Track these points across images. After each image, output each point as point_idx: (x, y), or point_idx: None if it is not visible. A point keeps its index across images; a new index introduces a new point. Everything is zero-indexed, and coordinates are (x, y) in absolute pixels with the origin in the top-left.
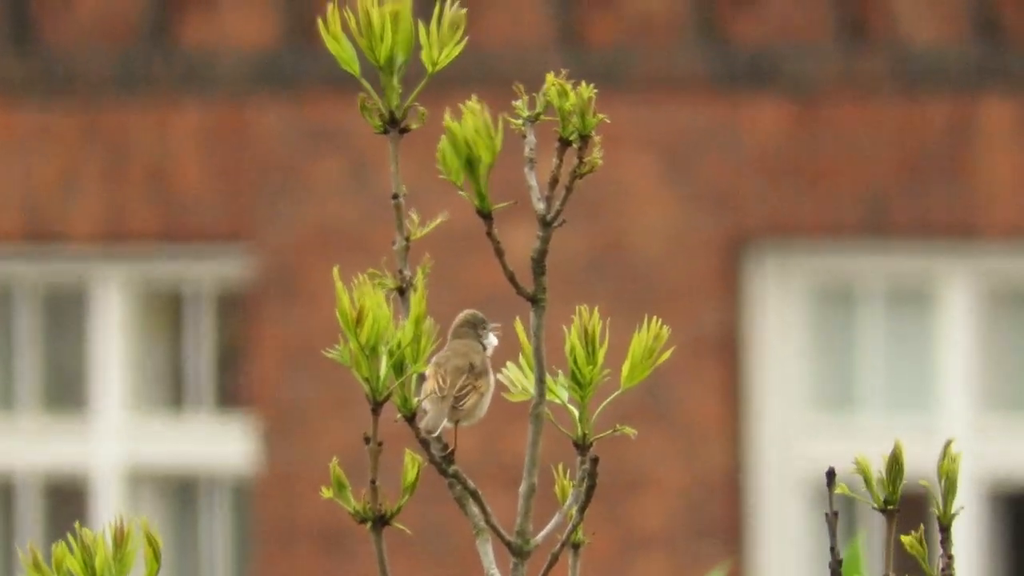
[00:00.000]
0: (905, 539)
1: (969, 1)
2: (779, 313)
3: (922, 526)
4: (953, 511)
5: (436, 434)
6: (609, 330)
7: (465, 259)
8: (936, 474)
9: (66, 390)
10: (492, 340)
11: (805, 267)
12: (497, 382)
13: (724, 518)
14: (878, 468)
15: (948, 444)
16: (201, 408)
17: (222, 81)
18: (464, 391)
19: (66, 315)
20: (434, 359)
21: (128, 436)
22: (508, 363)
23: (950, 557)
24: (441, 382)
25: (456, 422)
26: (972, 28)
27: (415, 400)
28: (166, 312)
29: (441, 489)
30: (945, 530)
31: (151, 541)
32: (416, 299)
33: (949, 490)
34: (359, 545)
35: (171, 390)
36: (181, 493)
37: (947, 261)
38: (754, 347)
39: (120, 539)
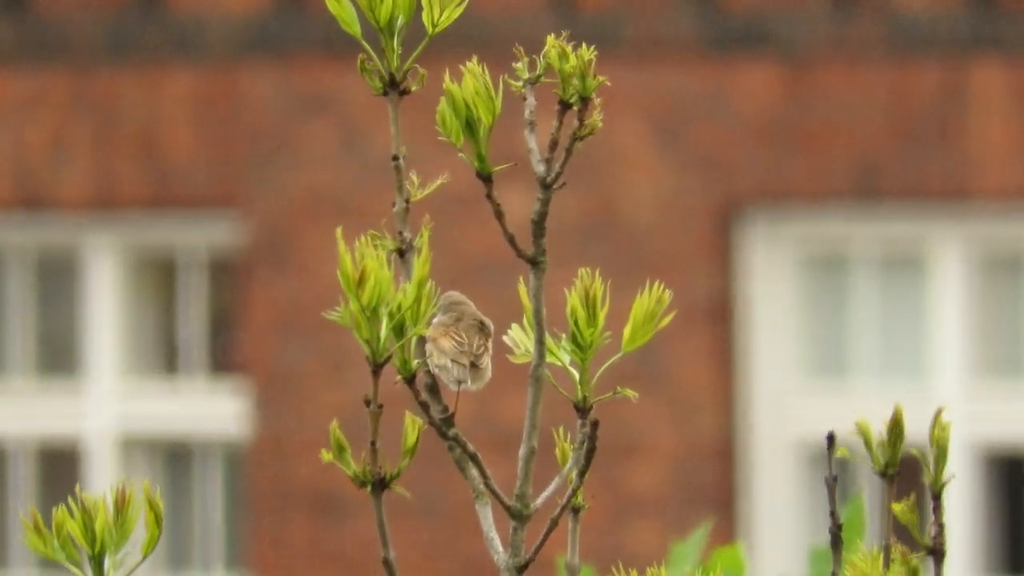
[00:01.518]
0: (896, 507)
1: None
2: (771, 278)
3: (913, 494)
4: (944, 479)
5: (464, 384)
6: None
7: (462, 223)
8: (927, 442)
9: (58, 356)
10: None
11: (797, 232)
12: (498, 344)
13: (717, 483)
14: (878, 431)
15: (939, 412)
16: (194, 373)
17: (213, 47)
18: (480, 350)
19: (58, 281)
20: (437, 320)
21: (121, 401)
22: (513, 325)
23: (941, 525)
24: (459, 338)
25: (460, 383)
26: None
27: (417, 362)
28: (158, 278)
29: (439, 453)
30: (937, 498)
31: (153, 505)
32: (420, 261)
33: (940, 458)
34: (353, 509)
35: (164, 355)
36: (174, 458)
37: (939, 226)
38: (746, 313)
39: (121, 503)
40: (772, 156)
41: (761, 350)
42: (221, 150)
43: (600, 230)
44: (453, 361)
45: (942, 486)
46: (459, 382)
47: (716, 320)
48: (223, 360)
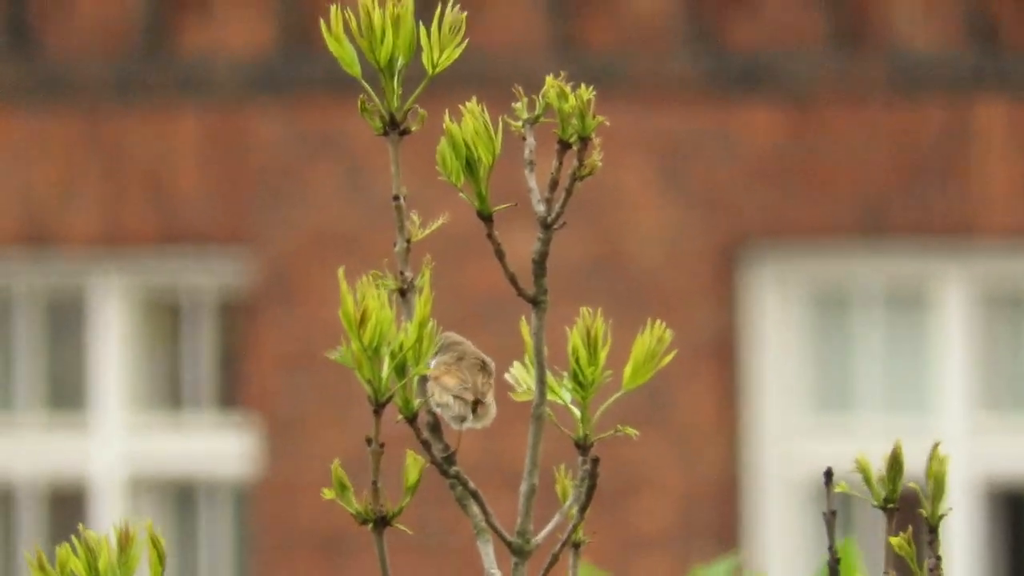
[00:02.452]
0: (894, 540)
1: (965, 5)
2: (776, 316)
3: (911, 527)
4: (941, 512)
5: (467, 423)
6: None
7: (464, 262)
8: (924, 476)
9: (66, 395)
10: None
11: (802, 270)
12: (500, 382)
13: (722, 520)
14: (878, 467)
15: (936, 446)
16: (200, 412)
17: (219, 87)
18: (484, 387)
19: (66, 320)
20: (438, 360)
21: (128, 440)
22: (515, 363)
23: (938, 558)
24: (462, 375)
25: (462, 421)
26: (968, 32)
27: (418, 401)
28: (165, 317)
29: (442, 490)
30: (933, 531)
31: (155, 544)
32: (421, 301)
33: (937, 492)
34: (359, 549)
35: (171, 394)
36: (181, 497)
37: (943, 264)
38: (752, 350)
39: (124, 542)
40: (776, 195)
41: (766, 387)
42: (228, 190)
43: (604, 269)
44: (456, 398)
45: (939, 519)
46: (461, 419)
47: (721, 358)
48: (230, 398)
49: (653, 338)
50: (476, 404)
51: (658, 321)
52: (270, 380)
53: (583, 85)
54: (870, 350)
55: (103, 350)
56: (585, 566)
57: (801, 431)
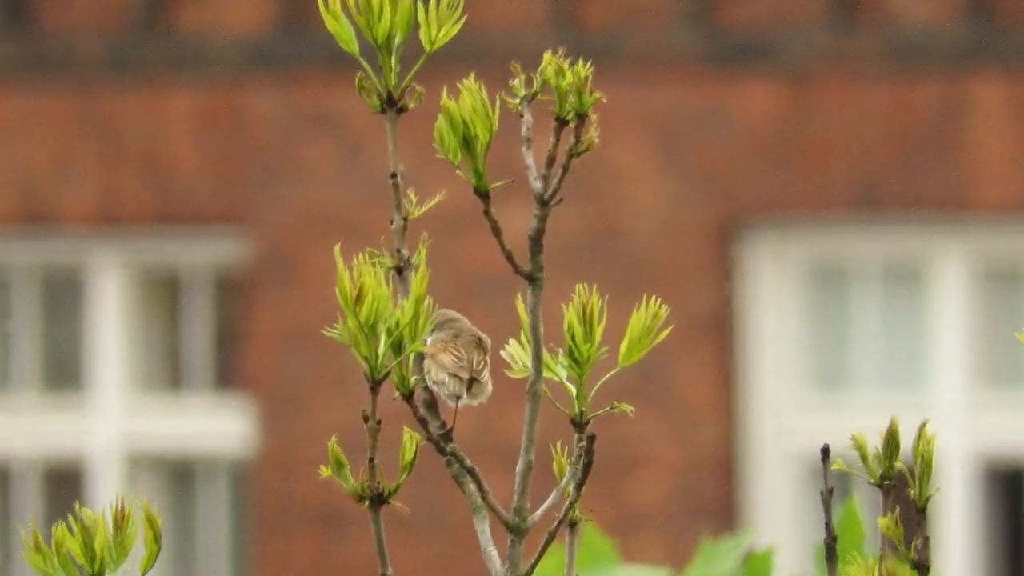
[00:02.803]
0: (881, 521)
1: None
2: (773, 292)
3: (898, 508)
4: (929, 493)
5: (463, 400)
6: (604, 310)
7: (461, 239)
8: (911, 455)
9: (64, 372)
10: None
11: (798, 246)
12: (496, 359)
13: (719, 496)
14: (874, 444)
15: (923, 426)
16: (198, 390)
17: (216, 64)
18: (480, 365)
19: (63, 298)
20: (434, 337)
21: (126, 418)
22: (511, 340)
23: (926, 538)
24: (457, 353)
25: (458, 399)
26: (963, 6)
27: (415, 378)
28: (162, 295)
29: (438, 468)
30: (921, 511)
31: (151, 522)
32: (417, 278)
33: (925, 472)
34: (356, 525)
35: (168, 372)
36: (179, 475)
37: (940, 239)
38: (748, 327)
39: (120, 520)
40: (773, 171)
41: (763, 363)
42: (225, 167)
43: (602, 245)
44: (451, 375)
45: (926, 500)
46: (456, 397)
47: (717, 334)
48: (227, 376)
49: (648, 314)
50: (471, 382)
51: (653, 297)
52: (267, 358)
53: (580, 61)
54: (867, 326)
55: (100, 328)
56: (590, 532)
57: (798, 407)
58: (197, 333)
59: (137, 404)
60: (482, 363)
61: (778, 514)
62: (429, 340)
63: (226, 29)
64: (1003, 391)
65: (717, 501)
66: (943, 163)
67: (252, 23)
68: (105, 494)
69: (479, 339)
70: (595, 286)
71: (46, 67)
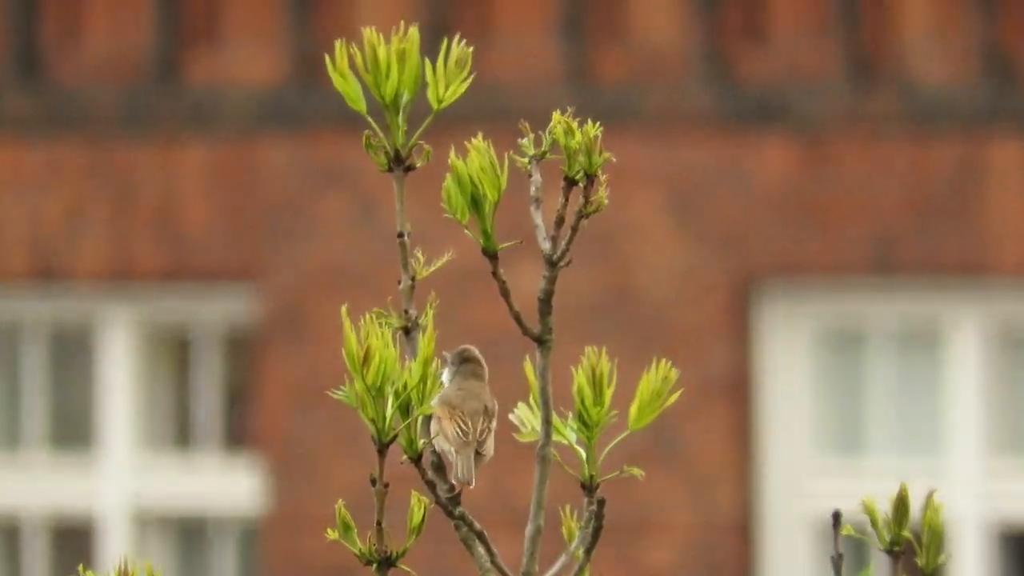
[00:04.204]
0: None
1: (978, 40)
2: (787, 354)
3: None
4: (937, 561)
5: (473, 483)
6: (617, 371)
7: (472, 299)
8: (919, 524)
9: (72, 429)
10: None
11: (813, 307)
12: (504, 421)
13: (733, 560)
14: (884, 510)
15: (930, 495)
16: (208, 448)
17: (229, 119)
18: (483, 435)
19: (73, 354)
20: (441, 398)
21: (135, 476)
22: (520, 404)
23: None
24: (463, 425)
25: (467, 484)
26: (982, 67)
27: (423, 441)
28: (173, 351)
29: (450, 529)
30: None
31: None
32: (425, 340)
33: (932, 540)
34: None
35: (178, 429)
36: (188, 533)
37: (956, 302)
38: (763, 388)
39: None
40: (789, 231)
41: (777, 426)
42: (237, 223)
43: (616, 305)
44: (457, 453)
45: (934, 568)
46: (465, 483)
47: (732, 396)
48: (238, 434)
49: (659, 377)
50: (476, 455)
51: (663, 360)
52: (278, 415)
53: (590, 121)
54: (882, 389)
55: (110, 383)
56: None
57: (812, 471)
58: (207, 391)
59: (146, 462)
60: (486, 431)
61: None
62: (439, 395)
63: (239, 84)
64: (1019, 457)
65: (731, 564)
66: (960, 226)
67: (266, 78)
68: (114, 553)
69: (485, 407)
70: (604, 349)
71: (59, 121)
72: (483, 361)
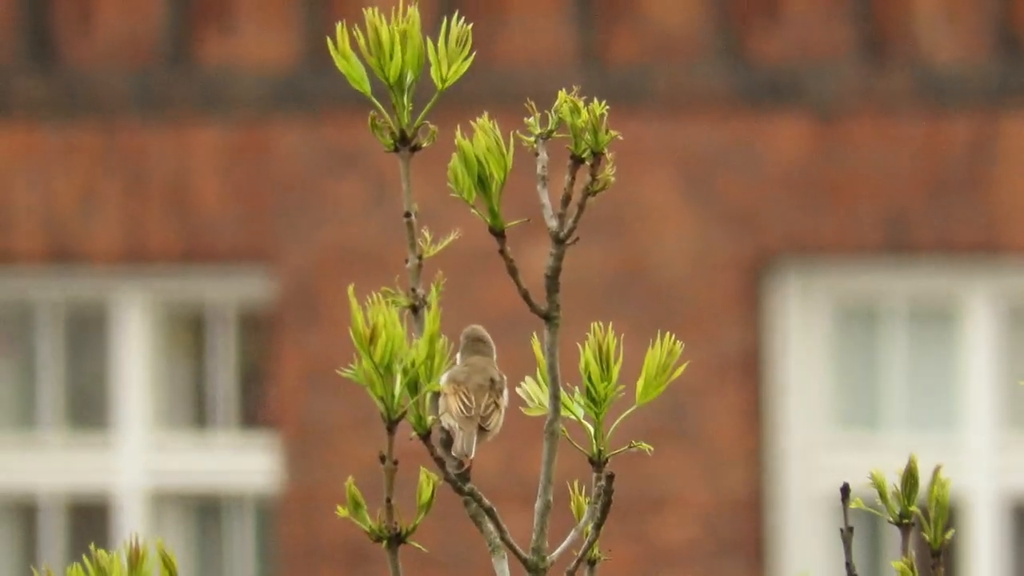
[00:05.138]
0: (896, 564)
1: (990, 18)
2: (801, 332)
3: (913, 552)
4: (944, 536)
5: (472, 455)
6: (631, 349)
7: (481, 278)
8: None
9: (89, 409)
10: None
11: (827, 285)
12: (513, 396)
13: (747, 536)
14: (894, 483)
15: (937, 470)
16: (224, 427)
17: (242, 101)
18: (489, 411)
19: (88, 334)
20: (449, 375)
21: (151, 455)
22: (527, 377)
23: None
24: (467, 400)
25: (465, 457)
26: (994, 45)
27: (432, 418)
28: (188, 332)
29: (460, 506)
30: (936, 555)
31: (167, 561)
32: (430, 317)
33: (939, 516)
34: (381, 563)
35: (194, 409)
36: (204, 512)
37: (969, 279)
38: (776, 366)
39: (135, 560)
40: (802, 209)
41: (791, 403)
42: (251, 204)
43: (629, 284)
44: (460, 429)
45: (941, 543)
46: (464, 456)
47: (746, 373)
48: (253, 413)
49: (664, 351)
50: (479, 430)
51: (668, 334)
52: (293, 394)
53: (596, 100)
54: (896, 366)
55: (125, 365)
56: None
57: (826, 446)
58: (222, 370)
59: (162, 441)
60: (491, 407)
61: (806, 554)
62: (444, 378)
63: (252, 66)
64: None
65: (745, 540)
66: (973, 203)
67: (279, 60)
68: (131, 531)
69: (492, 380)
70: (611, 324)
71: (72, 104)
72: (490, 340)
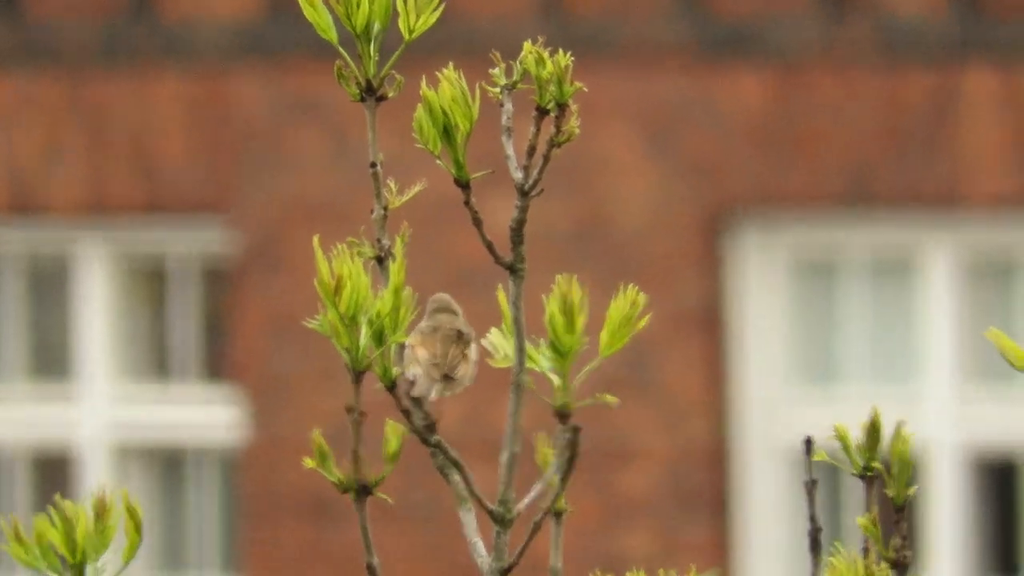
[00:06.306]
0: (860, 520)
1: None
2: (762, 284)
3: (876, 507)
4: (907, 492)
5: (430, 398)
6: (592, 302)
7: (448, 229)
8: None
9: (51, 361)
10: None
11: (788, 238)
12: (480, 349)
13: (709, 488)
14: (856, 435)
15: (899, 425)
16: (187, 379)
17: (204, 52)
18: (455, 360)
19: (50, 286)
20: (417, 328)
21: (114, 407)
22: (492, 329)
23: (904, 538)
24: (432, 349)
25: (425, 398)
26: None
27: (397, 370)
28: (150, 283)
29: (427, 458)
30: (899, 510)
31: (132, 513)
32: (395, 268)
33: (902, 471)
34: (346, 514)
35: (156, 361)
36: (168, 464)
37: (930, 232)
38: (737, 319)
39: (101, 511)
40: (763, 162)
41: (752, 356)
42: (212, 155)
43: (590, 236)
44: (424, 374)
45: (904, 498)
46: (420, 396)
47: (707, 326)
48: (216, 365)
49: (627, 303)
50: (445, 378)
51: (631, 285)
52: (256, 346)
53: (561, 51)
54: (856, 319)
55: (87, 317)
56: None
57: (787, 399)
58: (185, 322)
59: (125, 393)
60: (458, 357)
61: (768, 505)
62: (415, 330)
63: (214, 17)
64: (992, 384)
65: (706, 493)
66: (933, 156)
67: (240, 10)
68: (94, 483)
69: (459, 332)
70: (575, 276)
71: (34, 54)
72: (457, 309)
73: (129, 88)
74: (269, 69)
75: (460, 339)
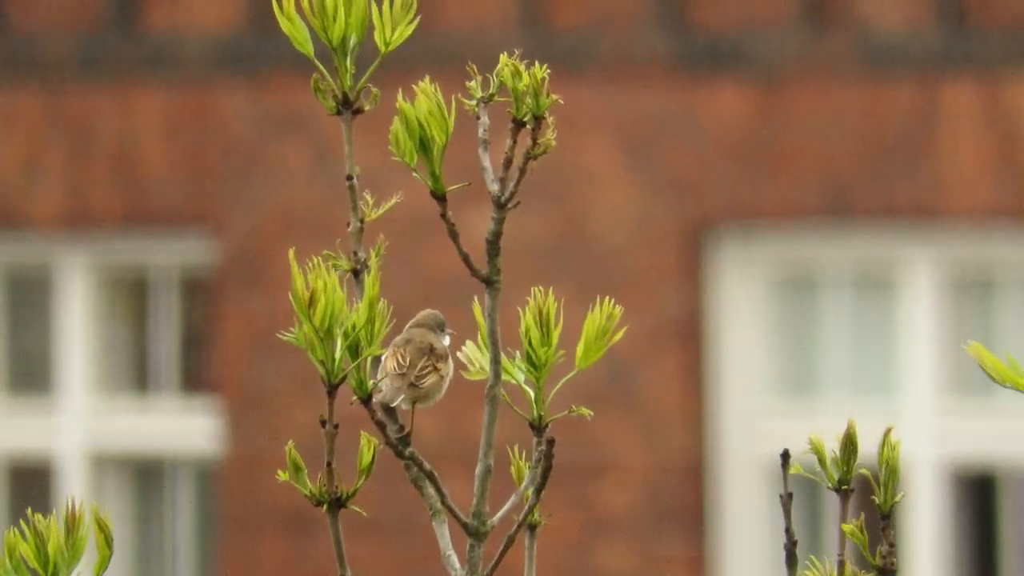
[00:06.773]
0: (846, 527)
1: None
2: (741, 298)
3: (863, 514)
4: (893, 499)
5: (395, 404)
6: (571, 315)
7: (425, 242)
8: (876, 463)
9: (30, 373)
10: (446, 340)
11: (768, 252)
12: (456, 362)
13: (687, 502)
14: (833, 448)
15: (887, 432)
16: (166, 390)
17: (186, 64)
18: (425, 371)
19: (30, 298)
20: (393, 341)
21: (93, 418)
22: (468, 342)
23: (891, 545)
24: (402, 360)
25: (413, 402)
26: (935, 11)
27: (371, 381)
28: (130, 295)
29: (401, 470)
30: (886, 518)
31: (102, 526)
32: (370, 281)
33: (889, 478)
34: (324, 527)
35: (136, 373)
36: (146, 476)
37: (910, 245)
38: (717, 332)
39: (72, 524)
40: (743, 176)
41: (731, 369)
42: (194, 168)
43: (570, 250)
44: (390, 382)
45: (891, 506)
46: (384, 404)
47: (686, 340)
48: (195, 377)
49: (603, 316)
50: (411, 387)
51: (608, 299)
52: (236, 358)
53: (537, 63)
54: (836, 332)
55: (68, 329)
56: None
57: (766, 413)
58: (165, 334)
59: (104, 405)
60: (428, 369)
61: (746, 519)
62: (392, 341)
63: (196, 29)
64: (971, 397)
65: (685, 506)
66: (913, 170)
67: (222, 23)
68: (72, 494)
69: (432, 346)
70: (551, 289)
71: (15, 66)
72: (441, 321)
73: (111, 101)
74: (251, 82)
75: (432, 352)
